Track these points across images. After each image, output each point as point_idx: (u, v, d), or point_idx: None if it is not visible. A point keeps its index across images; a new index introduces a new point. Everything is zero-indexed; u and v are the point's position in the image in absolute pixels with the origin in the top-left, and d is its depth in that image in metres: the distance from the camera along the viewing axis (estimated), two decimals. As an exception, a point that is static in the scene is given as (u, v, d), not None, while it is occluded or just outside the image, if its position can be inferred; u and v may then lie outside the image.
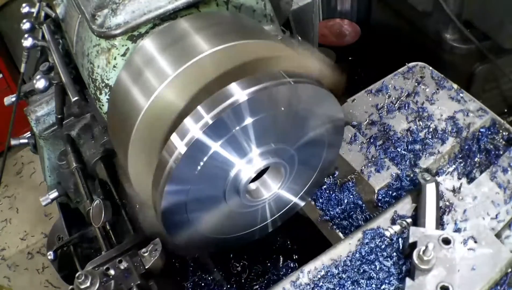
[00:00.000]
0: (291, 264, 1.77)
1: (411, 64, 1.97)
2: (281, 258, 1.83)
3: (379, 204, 1.61)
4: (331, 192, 1.69)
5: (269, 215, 1.55)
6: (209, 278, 1.65)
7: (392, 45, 3.04)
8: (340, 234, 1.62)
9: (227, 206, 1.36)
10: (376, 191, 1.60)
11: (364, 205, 1.65)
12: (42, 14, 1.83)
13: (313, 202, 1.69)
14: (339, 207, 1.66)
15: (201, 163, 1.18)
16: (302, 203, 1.63)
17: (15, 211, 4.03)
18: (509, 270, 1.40)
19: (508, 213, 1.51)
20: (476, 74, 2.68)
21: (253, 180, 1.37)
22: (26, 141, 2.10)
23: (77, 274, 1.17)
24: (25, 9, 1.90)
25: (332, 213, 1.66)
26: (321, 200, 1.69)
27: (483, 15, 2.48)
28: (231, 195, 1.33)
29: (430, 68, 1.95)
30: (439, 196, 1.49)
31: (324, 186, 1.71)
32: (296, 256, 1.76)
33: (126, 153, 1.29)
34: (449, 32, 2.67)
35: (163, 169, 1.17)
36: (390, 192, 1.60)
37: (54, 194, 1.95)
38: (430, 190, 1.46)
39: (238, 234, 1.53)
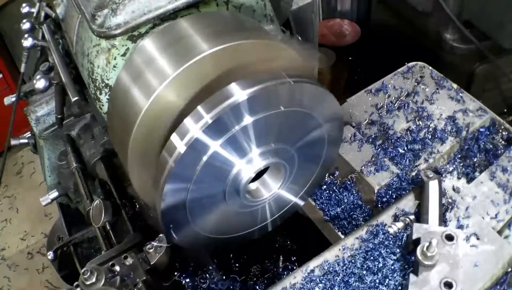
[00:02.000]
0: (291, 266, 1.77)
1: (410, 64, 1.97)
2: (281, 258, 1.83)
3: (379, 204, 1.61)
4: (331, 192, 1.70)
5: (269, 215, 1.55)
6: (209, 278, 1.65)
7: (392, 45, 3.04)
8: (340, 234, 1.62)
9: (227, 206, 1.36)
10: (375, 191, 1.61)
11: (364, 204, 1.65)
12: (42, 14, 1.83)
13: (313, 202, 1.70)
14: (339, 207, 1.66)
15: (201, 163, 1.18)
16: (302, 203, 1.63)
17: (15, 211, 4.03)
18: (509, 269, 1.40)
19: (508, 212, 1.51)
20: (476, 74, 2.68)
21: (253, 180, 1.37)
22: (26, 141, 2.10)
23: (82, 270, 1.17)
24: (25, 9, 1.90)
25: (332, 213, 1.67)
26: (321, 200, 1.69)
27: (483, 15, 2.48)
28: (231, 195, 1.33)
29: (430, 67, 1.95)
30: (442, 193, 1.50)
31: (324, 186, 1.71)
32: (295, 258, 1.75)
33: (126, 153, 1.29)
34: (449, 32, 2.67)
35: (163, 169, 1.17)
36: (390, 191, 1.61)
37: (54, 194, 1.95)
38: (433, 187, 1.48)
39: (238, 233, 1.53)
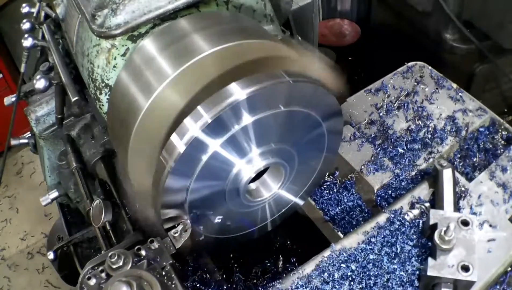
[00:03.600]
0: (290, 268, 1.77)
1: (410, 64, 1.97)
2: (281, 258, 1.83)
3: (379, 204, 1.61)
4: (331, 192, 1.70)
5: (269, 214, 1.55)
6: (209, 278, 1.65)
7: (392, 45, 3.04)
8: (340, 234, 1.62)
9: (227, 205, 1.36)
10: (375, 191, 1.61)
11: (363, 204, 1.65)
12: (42, 14, 1.83)
13: (313, 202, 1.70)
14: (339, 207, 1.67)
15: (201, 163, 1.19)
16: (301, 203, 1.63)
17: (15, 211, 4.03)
18: (509, 269, 1.40)
19: (507, 212, 1.51)
20: (476, 74, 2.68)
21: (253, 180, 1.37)
22: (26, 141, 2.10)
23: (109, 254, 1.17)
24: (25, 9, 1.90)
25: (332, 212, 1.67)
26: (321, 200, 1.70)
27: (483, 15, 2.48)
28: (231, 195, 1.33)
29: (429, 67, 1.95)
30: (455, 181, 1.52)
31: (324, 186, 1.71)
32: (295, 259, 1.75)
33: (126, 153, 1.29)
34: (449, 32, 2.67)
35: (163, 168, 1.17)
36: (390, 191, 1.61)
37: (54, 194, 1.95)
38: (447, 175, 1.51)
39: (238, 233, 1.54)
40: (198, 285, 1.56)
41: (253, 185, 1.44)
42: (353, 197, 1.66)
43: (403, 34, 3.02)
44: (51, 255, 1.85)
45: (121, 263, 1.18)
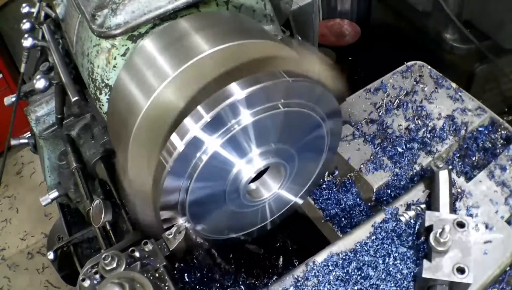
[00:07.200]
0: (290, 267, 1.77)
1: (409, 63, 1.98)
2: (281, 258, 1.83)
3: (378, 202, 1.62)
4: (331, 192, 1.70)
5: (269, 214, 1.55)
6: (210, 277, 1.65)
7: (392, 45, 3.04)
8: (339, 233, 1.62)
9: (227, 205, 1.36)
10: (374, 190, 1.61)
11: (363, 203, 1.65)
12: (42, 14, 1.83)
13: (312, 202, 1.70)
14: (338, 206, 1.67)
15: (201, 163, 1.19)
16: (301, 202, 1.63)
17: (15, 211, 4.03)
18: (508, 268, 1.41)
19: (507, 211, 1.51)
20: (476, 74, 2.68)
21: (253, 180, 1.38)
22: (26, 141, 2.10)
23: (103, 255, 1.18)
24: (25, 9, 1.90)
25: (331, 212, 1.67)
26: (320, 200, 1.70)
27: (483, 15, 2.48)
28: (231, 195, 1.33)
29: (429, 67, 1.95)
30: (452, 182, 1.51)
31: (324, 186, 1.71)
32: (296, 261, 1.75)
33: (126, 153, 1.29)
34: (449, 32, 2.67)
35: (163, 168, 1.17)
36: (389, 190, 1.61)
37: (54, 194, 1.95)
38: (443, 177, 1.50)
39: (238, 233, 1.54)
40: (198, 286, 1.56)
41: (253, 185, 1.44)
42: (352, 196, 1.67)
43: (403, 34, 3.02)
44: (51, 255, 1.85)
45: (114, 265, 1.18)
